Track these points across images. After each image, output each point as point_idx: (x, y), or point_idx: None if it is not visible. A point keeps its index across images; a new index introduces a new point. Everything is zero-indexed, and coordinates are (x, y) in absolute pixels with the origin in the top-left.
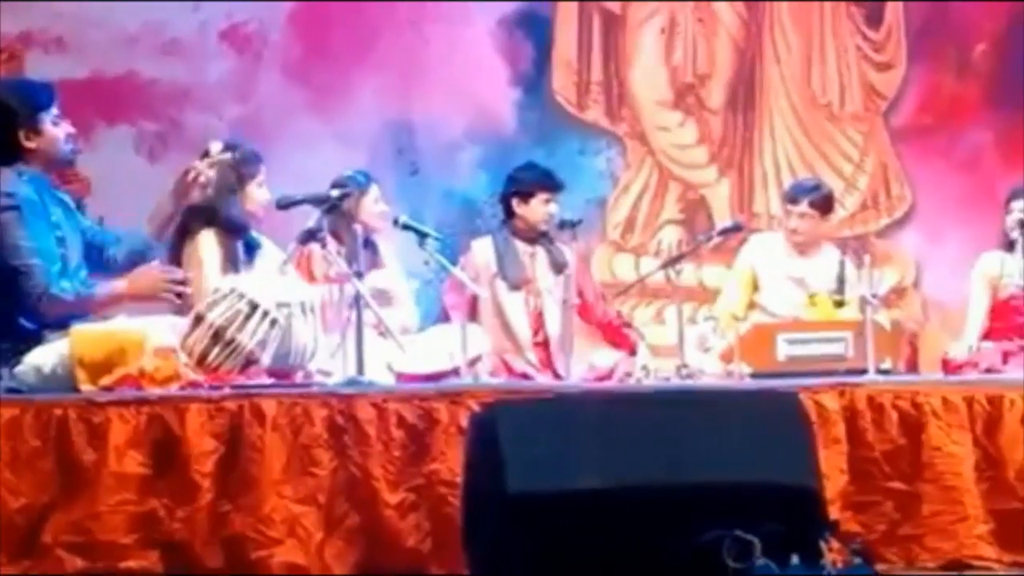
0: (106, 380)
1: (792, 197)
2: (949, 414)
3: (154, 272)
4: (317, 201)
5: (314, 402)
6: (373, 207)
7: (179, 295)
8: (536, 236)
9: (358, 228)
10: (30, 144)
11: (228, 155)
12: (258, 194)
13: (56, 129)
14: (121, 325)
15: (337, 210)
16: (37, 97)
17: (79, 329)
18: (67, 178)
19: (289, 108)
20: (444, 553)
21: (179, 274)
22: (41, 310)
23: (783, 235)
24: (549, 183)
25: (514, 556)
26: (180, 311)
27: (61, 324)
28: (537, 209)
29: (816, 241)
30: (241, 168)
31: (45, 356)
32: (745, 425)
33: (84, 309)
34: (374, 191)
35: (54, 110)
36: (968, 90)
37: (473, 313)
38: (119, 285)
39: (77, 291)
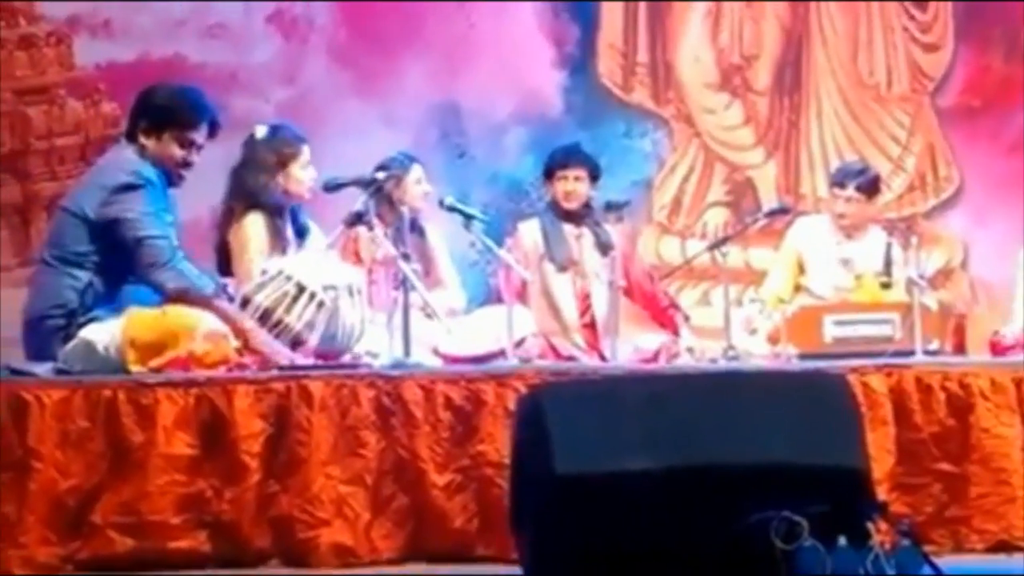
0: (156, 362)
1: (839, 181)
2: (997, 395)
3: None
4: (363, 184)
5: (361, 383)
6: (416, 188)
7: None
8: (581, 217)
9: (405, 210)
10: (145, 140)
11: (266, 136)
12: (303, 175)
13: (178, 149)
14: (173, 308)
15: (381, 193)
16: (178, 109)
17: (133, 310)
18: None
19: (335, 91)
20: (491, 534)
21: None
22: (162, 280)
23: (829, 218)
24: (564, 160)
25: (561, 537)
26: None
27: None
28: (556, 187)
29: (863, 223)
30: (283, 149)
31: (98, 334)
32: (792, 407)
33: (188, 300)
34: (416, 172)
35: (193, 135)
36: (1016, 71)
37: (522, 295)
38: (233, 312)
39: (191, 279)
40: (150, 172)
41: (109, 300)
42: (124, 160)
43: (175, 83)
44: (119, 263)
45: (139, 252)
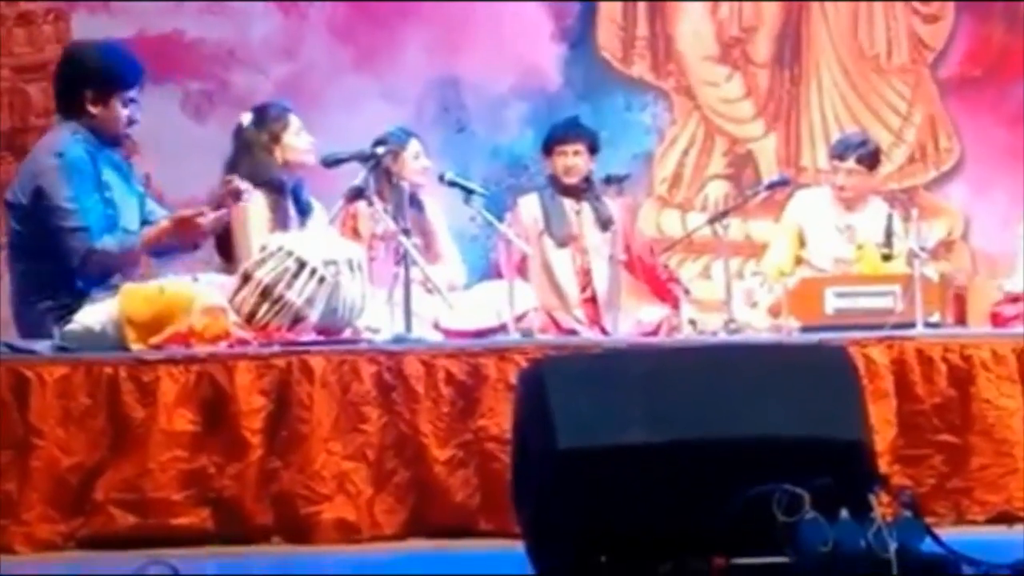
0: (155, 339)
1: (839, 153)
2: (999, 366)
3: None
4: (363, 159)
5: (362, 359)
6: (414, 163)
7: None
8: (581, 192)
9: (405, 185)
10: (93, 110)
11: (253, 120)
12: (298, 142)
13: (123, 110)
14: (170, 284)
15: (381, 168)
16: (121, 71)
17: (128, 288)
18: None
19: (335, 67)
20: (493, 508)
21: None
22: (88, 267)
23: (830, 190)
24: (564, 135)
25: (563, 511)
26: (227, 270)
27: (106, 278)
28: (555, 162)
29: (864, 195)
30: (271, 126)
31: (95, 315)
32: (794, 379)
33: (130, 258)
34: (414, 146)
35: (132, 93)
36: (1016, 42)
37: (522, 270)
38: (163, 220)
39: (120, 241)
40: (77, 150)
41: (72, 281)
42: (52, 141)
43: (97, 42)
44: (58, 248)
45: (63, 245)
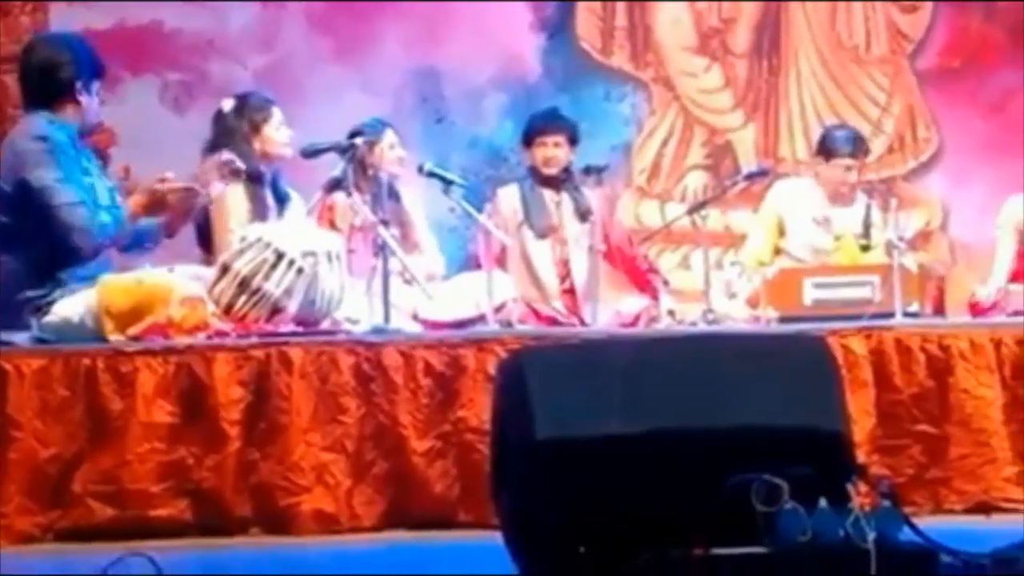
0: (133, 330)
1: (838, 150)
2: (977, 356)
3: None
4: (341, 150)
5: (341, 350)
6: (390, 153)
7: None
8: (561, 182)
9: (383, 176)
10: (80, 99)
11: (235, 107)
12: (277, 136)
13: (93, 100)
14: (148, 275)
15: (357, 158)
16: (86, 62)
17: (106, 279)
18: (92, 129)
19: (314, 57)
20: (472, 500)
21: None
22: (85, 245)
23: (818, 184)
24: (543, 126)
25: (543, 502)
26: (206, 261)
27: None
28: (535, 153)
29: (855, 188)
30: (253, 115)
31: (73, 306)
32: (772, 369)
33: (125, 233)
34: (389, 137)
35: (97, 83)
36: (995, 32)
37: (501, 261)
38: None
39: (116, 218)
40: (59, 134)
41: (57, 268)
42: (31, 126)
43: (58, 34)
44: (47, 232)
45: (58, 221)
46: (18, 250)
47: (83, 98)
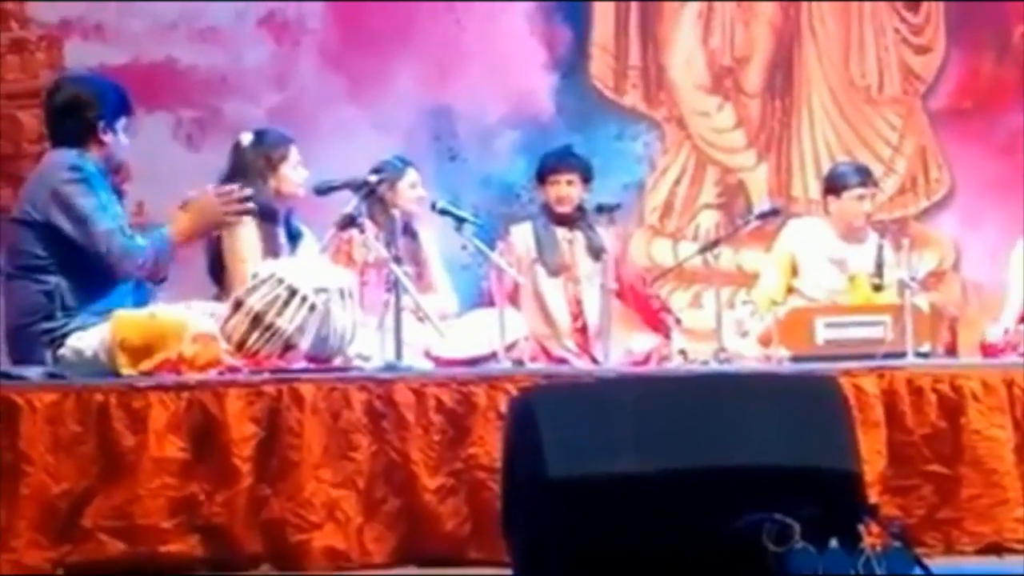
0: (146, 365)
1: (842, 184)
2: (989, 397)
3: (210, 199)
4: (355, 187)
5: (353, 386)
6: (409, 192)
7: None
8: (574, 221)
9: (397, 213)
10: (105, 138)
11: (253, 142)
12: (294, 176)
13: (118, 139)
14: (162, 310)
15: (374, 195)
16: (118, 101)
17: (120, 313)
18: (116, 167)
19: (327, 96)
20: (483, 537)
21: (235, 190)
22: (125, 270)
23: (826, 221)
24: (557, 164)
25: (553, 540)
26: (219, 298)
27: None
28: (548, 191)
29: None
30: (271, 152)
31: (87, 340)
32: (784, 409)
33: (163, 261)
34: (411, 176)
35: (124, 120)
36: (1007, 73)
37: (513, 299)
38: (182, 222)
39: (154, 244)
40: (90, 166)
41: (83, 297)
42: (63, 158)
43: (86, 73)
44: (79, 261)
45: (98, 246)
46: (48, 280)
47: (107, 137)
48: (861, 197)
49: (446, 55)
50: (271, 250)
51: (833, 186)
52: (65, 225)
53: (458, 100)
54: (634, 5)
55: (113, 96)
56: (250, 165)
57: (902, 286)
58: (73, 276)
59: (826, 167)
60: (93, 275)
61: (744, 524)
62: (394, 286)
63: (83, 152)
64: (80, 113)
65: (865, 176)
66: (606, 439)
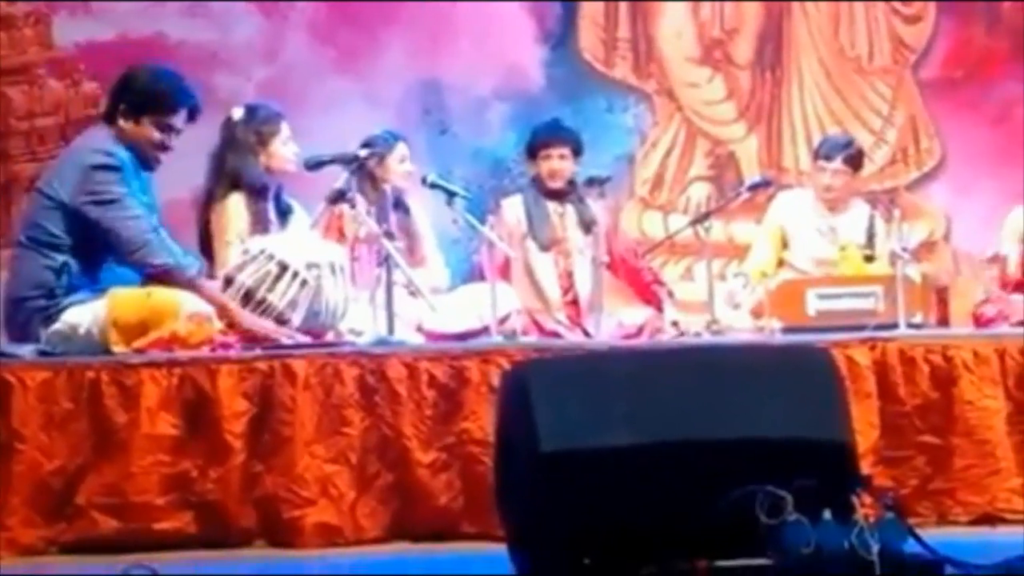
0: (139, 343)
1: (826, 153)
2: (981, 367)
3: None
4: (345, 161)
5: (345, 362)
6: (398, 166)
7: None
8: (565, 194)
9: (388, 188)
10: (123, 123)
11: (244, 117)
12: (284, 151)
13: (156, 133)
14: (158, 289)
15: (364, 170)
16: (163, 95)
17: (116, 291)
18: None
19: (317, 69)
20: (476, 511)
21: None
22: (144, 260)
23: (813, 191)
24: (548, 138)
25: (546, 513)
26: (210, 274)
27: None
28: (541, 165)
29: (847, 196)
30: (262, 128)
31: (80, 316)
32: (776, 380)
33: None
34: (400, 150)
35: (172, 120)
36: (998, 43)
37: (505, 272)
38: (216, 294)
39: (180, 259)
40: (123, 154)
41: (88, 280)
42: (98, 141)
43: (157, 66)
44: (95, 244)
45: (117, 233)
46: (57, 257)
47: (158, 135)
48: (822, 169)
49: (436, 28)
50: (259, 226)
51: (820, 153)
52: (92, 208)
53: (448, 73)
54: None
55: (163, 89)
56: (241, 141)
57: (893, 257)
58: (83, 258)
59: (816, 138)
60: (103, 259)
61: (737, 496)
62: (385, 261)
63: (118, 137)
64: (121, 97)
65: (832, 149)
66: (599, 412)
